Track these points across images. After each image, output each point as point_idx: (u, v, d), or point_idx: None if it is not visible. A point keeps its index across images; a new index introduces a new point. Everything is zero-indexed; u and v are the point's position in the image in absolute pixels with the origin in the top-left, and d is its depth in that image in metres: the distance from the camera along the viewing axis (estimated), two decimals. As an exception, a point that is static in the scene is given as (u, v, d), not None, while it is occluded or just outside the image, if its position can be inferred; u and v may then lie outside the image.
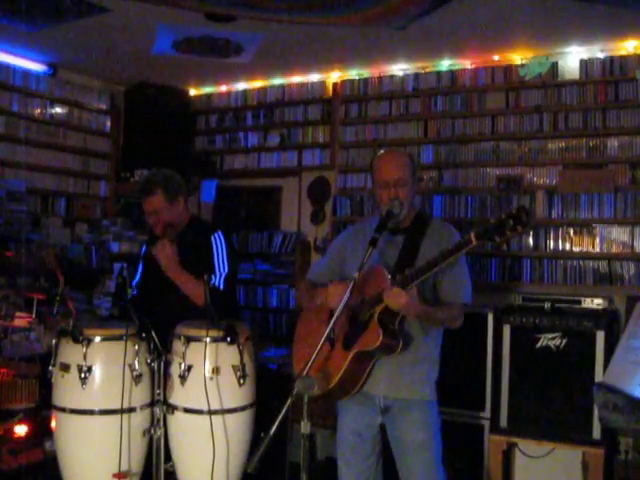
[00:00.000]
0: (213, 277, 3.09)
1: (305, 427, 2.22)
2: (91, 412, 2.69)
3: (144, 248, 3.44)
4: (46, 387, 2.99)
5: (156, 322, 2.79)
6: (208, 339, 2.71)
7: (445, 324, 2.67)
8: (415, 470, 2.64)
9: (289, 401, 2.21)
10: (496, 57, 4.83)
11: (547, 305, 4.00)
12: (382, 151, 2.84)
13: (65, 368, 2.73)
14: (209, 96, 6.06)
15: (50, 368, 2.80)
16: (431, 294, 2.63)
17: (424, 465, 2.63)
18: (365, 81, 5.34)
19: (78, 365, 2.69)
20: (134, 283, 3.37)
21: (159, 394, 2.78)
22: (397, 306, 2.40)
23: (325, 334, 2.35)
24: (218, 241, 3.17)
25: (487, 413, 3.94)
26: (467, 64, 4.97)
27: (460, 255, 2.38)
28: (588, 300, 4.07)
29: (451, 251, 2.35)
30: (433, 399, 2.70)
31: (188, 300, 3.04)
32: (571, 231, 4.59)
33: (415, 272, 2.40)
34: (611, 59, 4.51)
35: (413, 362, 2.64)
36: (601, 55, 4.54)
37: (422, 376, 2.67)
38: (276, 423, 2.18)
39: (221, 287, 3.09)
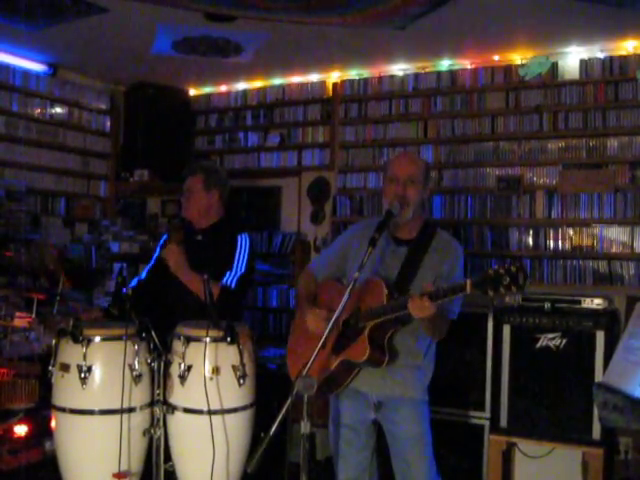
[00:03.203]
0: (228, 274, 3.15)
1: (305, 427, 2.22)
2: (91, 412, 2.68)
3: (165, 236, 3.49)
4: (46, 387, 2.98)
5: (156, 322, 2.80)
6: (208, 339, 2.70)
7: (438, 333, 2.64)
8: (412, 462, 2.67)
9: (289, 401, 2.22)
10: (496, 57, 4.83)
11: (547, 305, 4.00)
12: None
13: (65, 368, 2.73)
14: (209, 96, 6.06)
15: (50, 368, 2.80)
16: None
17: (420, 457, 2.67)
18: (365, 81, 5.34)
19: (78, 365, 2.68)
20: (147, 267, 3.46)
21: (159, 394, 2.78)
22: (421, 316, 2.38)
23: (323, 338, 2.37)
24: (243, 241, 3.25)
25: (487, 413, 3.94)
26: (467, 64, 4.98)
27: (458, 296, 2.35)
28: (588, 300, 4.06)
29: (446, 291, 2.33)
30: (424, 399, 2.73)
31: (190, 292, 3.10)
32: (571, 231, 4.59)
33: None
34: (611, 59, 4.51)
35: (403, 368, 2.67)
36: (601, 55, 4.54)
37: (414, 378, 2.70)
38: (276, 423, 2.18)
39: (233, 286, 3.14)
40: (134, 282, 3.42)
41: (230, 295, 3.11)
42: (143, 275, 3.45)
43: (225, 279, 3.14)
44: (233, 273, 3.16)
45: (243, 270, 3.19)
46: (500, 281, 2.19)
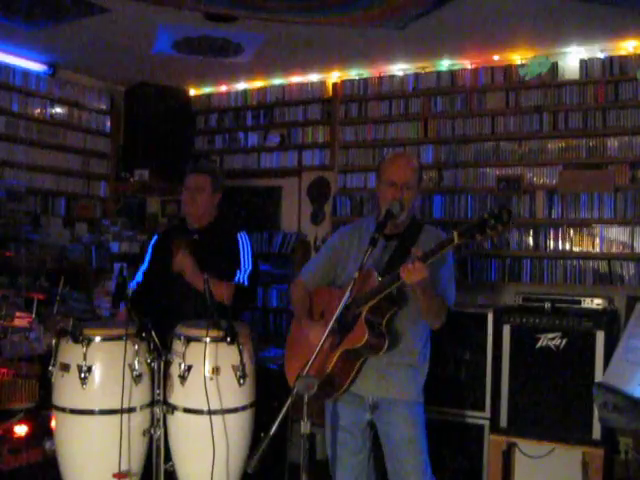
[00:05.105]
0: (238, 272, 3.20)
1: (305, 427, 2.22)
2: (91, 412, 2.68)
3: (155, 237, 3.51)
4: (46, 387, 2.99)
5: (156, 322, 2.80)
6: (208, 339, 2.71)
7: (435, 314, 2.63)
8: (406, 464, 2.67)
9: (289, 401, 2.22)
10: (496, 57, 4.83)
11: (547, 305, 4.00)
12: (392, 152, 2.86)
13: (65, 368, 2.73)
14: (209, 96, 6.06)
15: (50, 368, 2.80)
16: None
17: (415, 459, 2.67)
18: (365, 81, 5.34)
19: (78, 365, 2.69)
20: (141, 269, 3.45)
21: (159, 394, 2.78)
22: (416, 280, 2.37)
23: (323, 338, 2.36)
24: (244, 239, 3.30)
25: (487, 413, 3.94)
26: (467, 64, 4.98)
27: (446, 252, 2.39)
28: (588, 300, 4.07)
29: (434, 249, 2.35)
30: (420, 401, 2.74)
31: (191, 291, 3.09)
32: (571, 231, 4.59)
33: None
34: (611, 59, 4.51)
35: (400, 366, 2.68)
36: (601, 55, 4.54)
37: (409, 379, 2.71)
38: (276, 423, 2.18)
39: (246, 283, 3.19)
40: (133, 285, 3.41)
41: (245, 292, 3.17)
42: (140, 278, 3.42)
43: (237, 278, 3.19)
44: (243, 271, 3.21)
45: (251, 267, 3.24)
46: (486, 224, 2.21)
